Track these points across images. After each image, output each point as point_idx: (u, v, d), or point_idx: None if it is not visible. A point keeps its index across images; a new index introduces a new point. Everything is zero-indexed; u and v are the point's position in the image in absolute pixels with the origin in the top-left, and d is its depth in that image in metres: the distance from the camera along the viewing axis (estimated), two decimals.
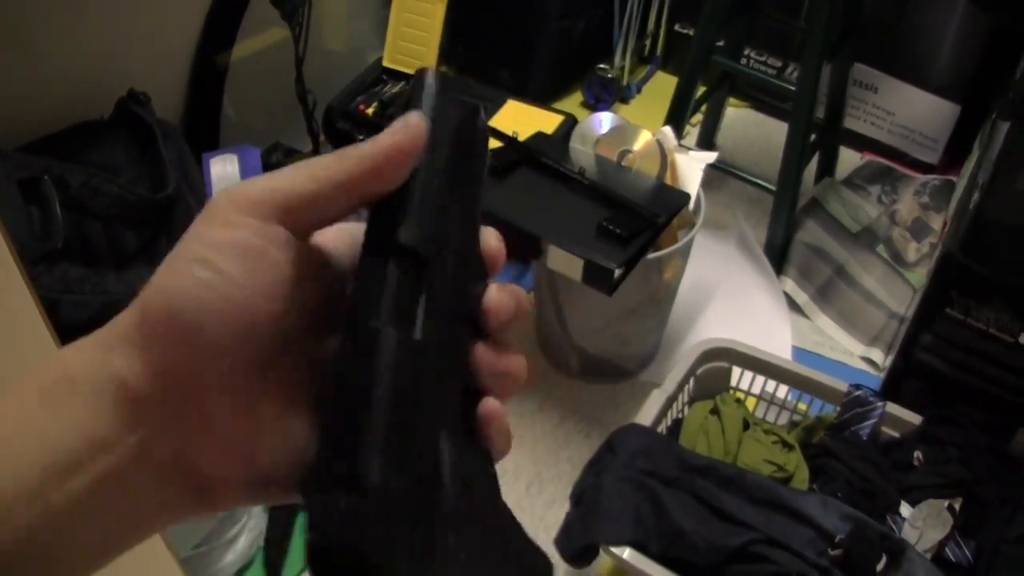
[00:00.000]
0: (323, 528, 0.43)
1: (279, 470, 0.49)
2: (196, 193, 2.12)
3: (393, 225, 0.50)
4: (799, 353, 2.45)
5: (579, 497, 1.73)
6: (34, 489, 0.43)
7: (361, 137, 2.52)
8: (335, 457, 0.45)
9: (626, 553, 1.58)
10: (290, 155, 2.50)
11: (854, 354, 2.48)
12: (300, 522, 1.93)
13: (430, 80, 0.56)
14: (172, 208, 2.01)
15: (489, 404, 0.52)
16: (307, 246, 0.50)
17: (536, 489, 2.12)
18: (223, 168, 2.25)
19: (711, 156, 2.14)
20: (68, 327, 1.25)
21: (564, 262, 1.78)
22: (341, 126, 2.62)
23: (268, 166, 2.38)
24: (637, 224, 1.80)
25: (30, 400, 0.45)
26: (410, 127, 0.52)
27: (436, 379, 0.49)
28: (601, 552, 1.63)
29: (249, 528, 1.91)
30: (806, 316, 2.58)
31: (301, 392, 0.50)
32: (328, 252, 0.54)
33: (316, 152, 2.67)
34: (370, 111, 2.61)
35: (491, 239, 0.56)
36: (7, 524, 0.42)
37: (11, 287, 1.25)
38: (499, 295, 0.53)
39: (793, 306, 2.59)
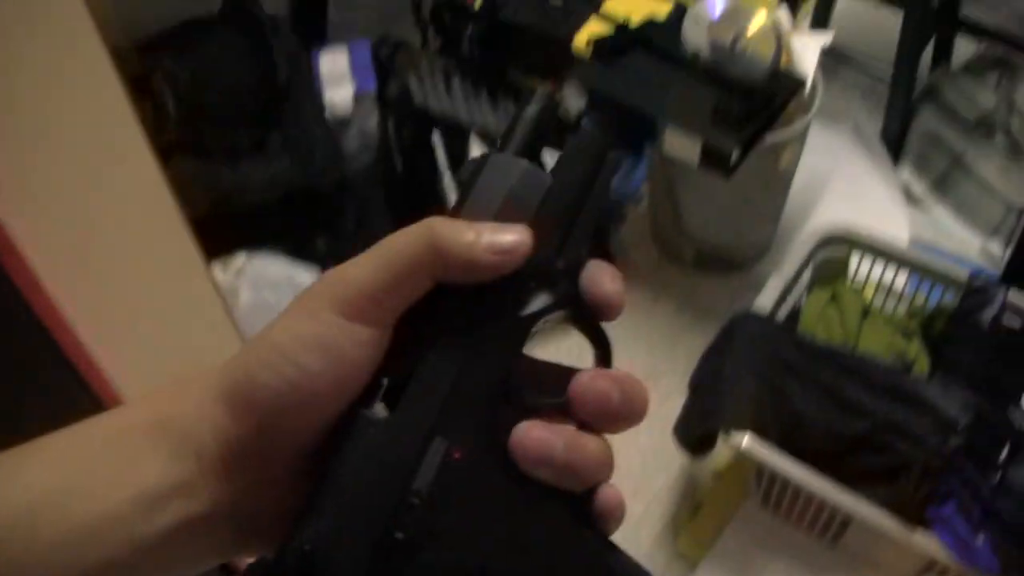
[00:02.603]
0: None
1: None
2: (307, 88, 2.12)
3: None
4: (916, 245, 2.40)
5: (697, 385, 1.72)
6: (125, 518, 0.47)
7: (469, 31, 2.52)
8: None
9: (745, 439, 1.57)
10: (399, 48, 2.48)
11: (973, 246, 2.43)
12: None
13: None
14: (283, 101, 2.01)
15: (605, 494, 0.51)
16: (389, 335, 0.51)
17: (652, 381, 2.11)
18: (332, 63, 2.24)
19: (828, 37, 2.09)
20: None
21: (680, 146, 1.75)
22: (449, 19, 2.60)
23: (378, 60, 2.36)
24: (753, 106, 1.77)
25: (128, 436, 0.49)
26: (518, 248, 0.49)
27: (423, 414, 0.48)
28: (720, 440, 1.62)
29: None
30: (923, 207, 2.53)
31: None
32: None
33: (426, 45, 2.65)
34: (477, 3, 2.57)
35: (605, 280, 0.52)
36: (97, 546, 0.47)
37: (146, 177, 1.27)
38: (592, 383, 0.50)
39: (910, 197, 2.54)
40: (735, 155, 1.71)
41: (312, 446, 0.49)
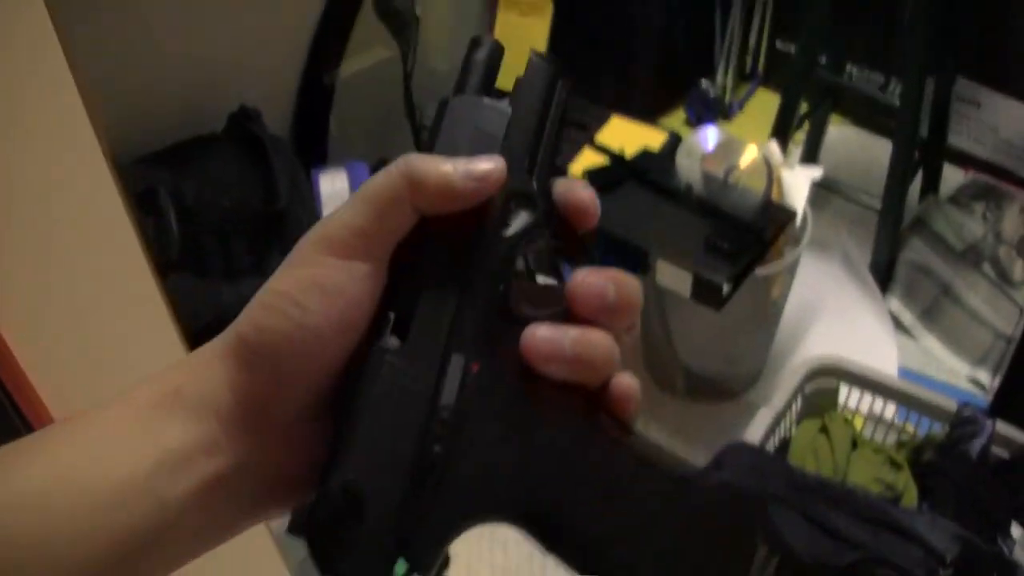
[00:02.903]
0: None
1: None
2: (307, 207, 2.15)
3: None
4: (905, 374, 2.42)
5: None
6: (149, 482, 0.48)
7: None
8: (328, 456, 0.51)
9: None
10: None
11: (960, 374, 2.45)
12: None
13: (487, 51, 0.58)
14: (284, 221, 2.03)
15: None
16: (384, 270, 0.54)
17: None
18: (332, 184, 2.27)
19: (817, 171, 2.13)
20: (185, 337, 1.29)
21: (672, 278, 1.78)
22: None
23: None
24: (744, 239, 1.80)
25: (144, 407, 0.51)
26: (492, 173, 0.52)
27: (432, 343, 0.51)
28: None
29: None
30: (912, 336, 2.56)
31: None
32: None
33: None
34: None
35: (576, 188, 0.56)
36: (123, 512, 0.48)
37: (147, 294, 1.28)
38: (585, 279, 0.53)
39: (899, 326, 2.57)
40: (727, 288, 1.73)
41: (326, 388, 0.51)
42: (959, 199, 2.86)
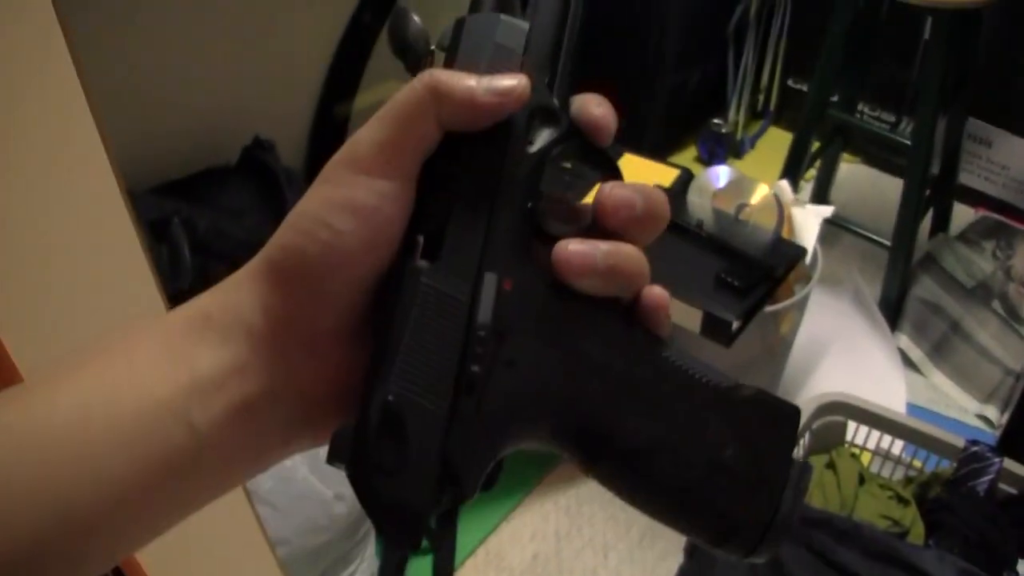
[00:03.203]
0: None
1: None
2: None
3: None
4: (913, 410, 2.44)
5: (693, 549, 1.73)
6: (178, 407, 0.48)
7: None
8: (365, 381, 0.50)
9: None
10: None
11: (969, 411, 2.47)
12: (411, 564, 1.95)
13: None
14: None
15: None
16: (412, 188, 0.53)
17: (649, 540, 2.13)
18: None
19: (828, 210, 2.15)
20: None
21: (682, 314, 1.79)
22: None
23: None
24: (755, 276, 1.81)
25: (173, 333, 0.51)
26: (515, 89, 0.51)
27: (467, 262, 0.51)
28: None
29: (362, 571, 1.94)
30: (921, 372, 2.57)
31: None
32: None
33: None
34: None
35: (591, 105, 0.54)
36: (157, 436, 0.48)
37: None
38: (612, 191, 0.52)
39: (907, 362, 2.58)
40: (735, 325, 1.75)
41: (358, 306, 0.51)
42: (969, 237, 2.88)
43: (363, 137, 0.51)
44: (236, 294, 0.51)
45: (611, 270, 0.51)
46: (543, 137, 0.53)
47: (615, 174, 0.54)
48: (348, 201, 0.50)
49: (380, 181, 0.50)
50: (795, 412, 0.53)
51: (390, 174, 0.50)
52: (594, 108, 0.53)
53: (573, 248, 0.50)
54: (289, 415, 0.51)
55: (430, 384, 0.49)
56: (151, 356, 0.50)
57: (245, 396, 0.49)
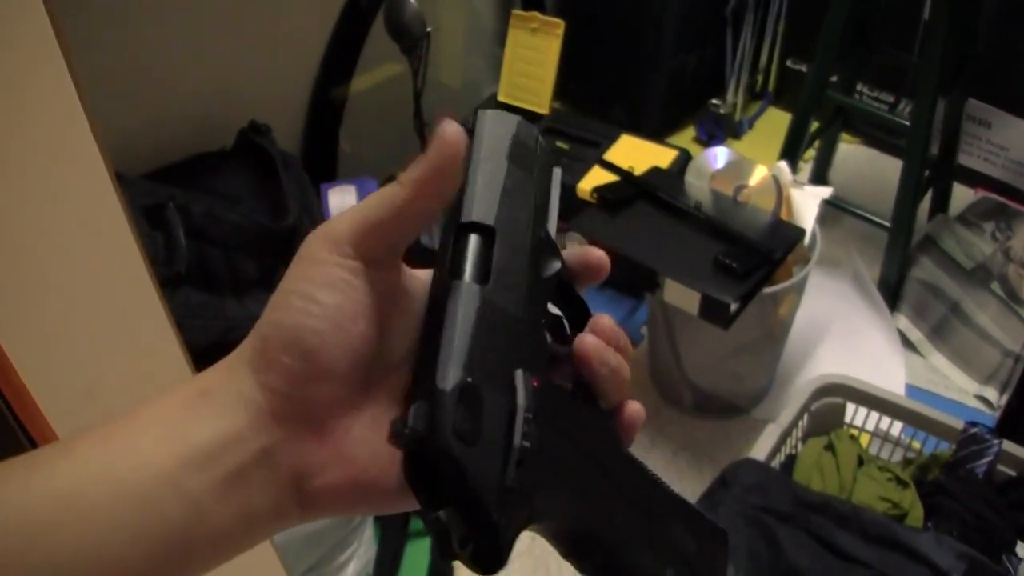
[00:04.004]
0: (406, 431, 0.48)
1: (378, 474, 0.54)
2: (316, 222, 2.14)
3: (458, 211, 0.56)
4: (913, 391, 2.43)
5: None
6: (174, 477, 0.49)
7: None
8: (420, 378, 0.51)
9: None
10: None
11: (968, 392, 2.46)
12: (408, 549, 1.95)
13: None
14: (292, 237, 2.04)
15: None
16: (391, 275, 0.57)
17: None
18: (341, 199, 2.28)
19: (827, 191, 2.14)
20: (189, 351, 1.29)
21: (680, 296, 1.79)
22: None
23: None
24: (753, 259, 1.81)
25: (172, 407, 0.52)
26: (446, 138, 0.54)
27: (509, 326, 0.53)
28: None
29: (359, 555, 1.94)
30: (920, 354, 2.56)
31: (395, 402, 0.56)
32: (411, 286, 0.59)
33: None
34: None
35: (592, 252, 0.61)
36: (155, 510, 0.48)
37: (149, 310, 1.28)
38: (597, 345, 0.56)
39: (907, 344, 2.58)
40: (734, 307, 1.74)
41: (351, 379, 0.53)
42: (968, 218, 2.87)
43: (344, 218, 0.54)
44: (233, 371, 0.53)
45: (619, 367, 0.56)
46: (551, 267, 0.59)
47: (584, 316, 0.60)
48: (327, 277, 0.52)
49: (356, 261, 0.53)
50: (725, 533, 0.60)
51: (370, 253, 0.53)
52: (593, 253, 0.61)
53: (591, 341, 0.55)
54: (281, 484, 0.52)
55: (493, 381, 0.50)
56: (149, 430, 0.51)
57: (240, 462, 0.51)
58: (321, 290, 0.52)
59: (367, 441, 0.53)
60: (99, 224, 1.17)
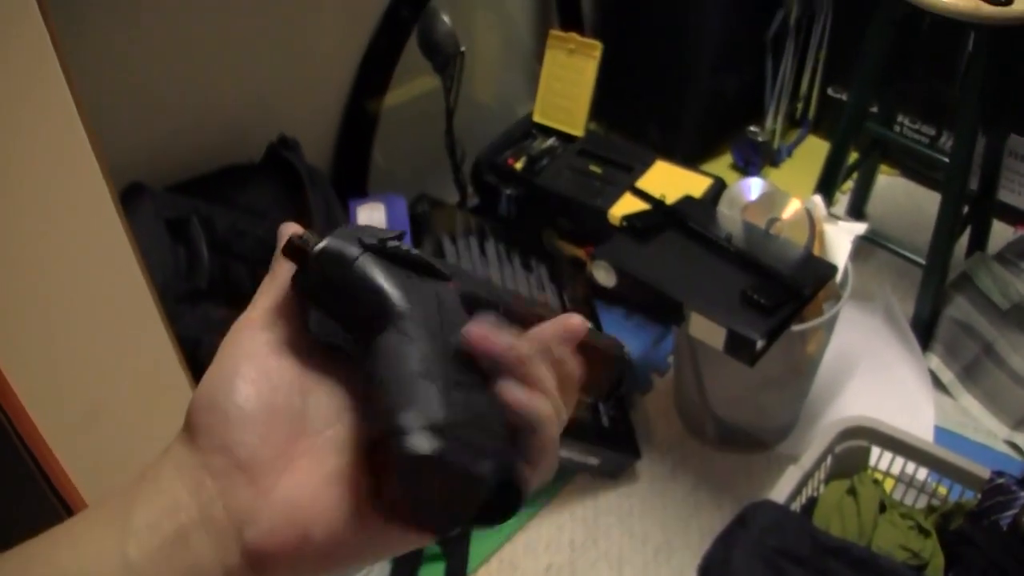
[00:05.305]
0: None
1: (320, 511, 0.54)
2: None
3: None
4: (941, 433, 2.40)
5: (707, 570, 1.71)
6: (119, 551, 0.51)
7: (508, 192, 2.54)
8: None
9: None
10: (436, 206, 2.51)
11: (998, 436, 2.42)
12: (421, 572, 1.94)
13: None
14: None
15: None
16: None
17: (664, 556, 2.10)
18: (369, 215, 2.27)
19: (861, 227, 2.11)
20: (205, 366, 1.28)
21: (706, 330, 1.76)
22: (489, 179, 2.63)
23: (414, 217, 2.39)
24: (782, 294, 1.78)
25: (111, 496, 0.54)
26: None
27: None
28: None
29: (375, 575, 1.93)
30: (950, 395, 2.52)
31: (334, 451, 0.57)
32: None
33: (463, 203, 2.68)
34: (519, 165, 2.60)
35: (571, 319, 0.61)
36: (101, 563, 0.51)
37: (150, 327, 1.28)
38: (478, 327, 0.58)
39: (937, 384, 2.54)
40: (760, 344, 1.72)
41: (274, 437, 0.55)
42: (1007, 256, 2.82)
43: (255, 301, 0.60)
44: (168, 450, 0.55)
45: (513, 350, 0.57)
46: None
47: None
48: (242, 349, 0.57)
49: (266, 334, 0.58)
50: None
51: (275, 331, 0.58)
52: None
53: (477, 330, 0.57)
54: (223, 538, 0.53)
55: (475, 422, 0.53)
56: (89, 524, 0.53)
57: (179, 526, 0.52)
58: (237, 361, 0.56)
59: (305, 484, 0.54)
60: (100, 243, 1.16)
